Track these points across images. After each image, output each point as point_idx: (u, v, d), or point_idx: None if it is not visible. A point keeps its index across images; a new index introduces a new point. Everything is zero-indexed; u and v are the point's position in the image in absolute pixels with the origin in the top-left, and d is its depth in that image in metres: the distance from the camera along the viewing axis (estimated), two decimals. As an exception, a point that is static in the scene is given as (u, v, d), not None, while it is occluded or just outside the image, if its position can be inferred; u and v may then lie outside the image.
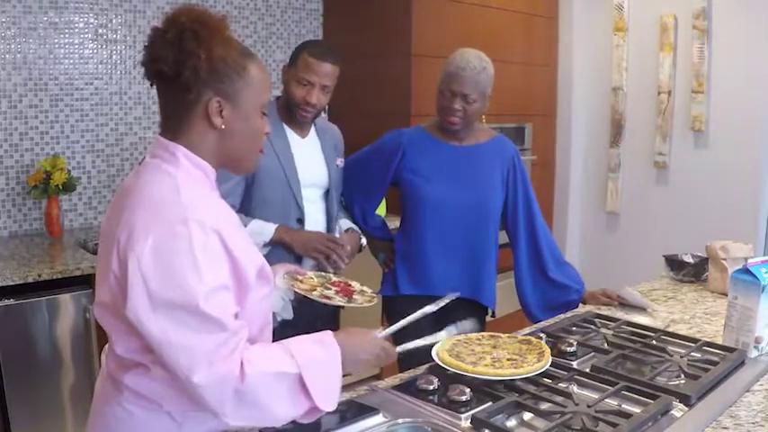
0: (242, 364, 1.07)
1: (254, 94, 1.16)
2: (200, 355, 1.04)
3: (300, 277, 1.54)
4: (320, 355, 1.16)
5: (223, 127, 1.14)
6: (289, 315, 1.48)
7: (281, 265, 1.54)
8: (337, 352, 1.17)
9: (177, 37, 1.09)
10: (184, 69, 1.09)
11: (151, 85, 1.17)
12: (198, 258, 1.04)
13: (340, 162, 2.17)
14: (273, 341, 1.21)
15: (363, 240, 2.19)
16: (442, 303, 1.49)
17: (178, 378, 1.06)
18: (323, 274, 1.69)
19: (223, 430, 1.20)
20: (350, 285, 1.65)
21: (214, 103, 1.12)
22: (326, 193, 2.11)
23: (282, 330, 1.31)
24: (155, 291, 1.04)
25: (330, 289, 1.59)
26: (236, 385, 1.06)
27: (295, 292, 1.48)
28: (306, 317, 1.55)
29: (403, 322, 1.39)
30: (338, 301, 1.54)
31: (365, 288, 1.66)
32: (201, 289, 1.04)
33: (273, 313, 1.37)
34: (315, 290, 1.53)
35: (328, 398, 1.14)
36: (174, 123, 1.16)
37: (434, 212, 2.08)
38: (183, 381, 1.06)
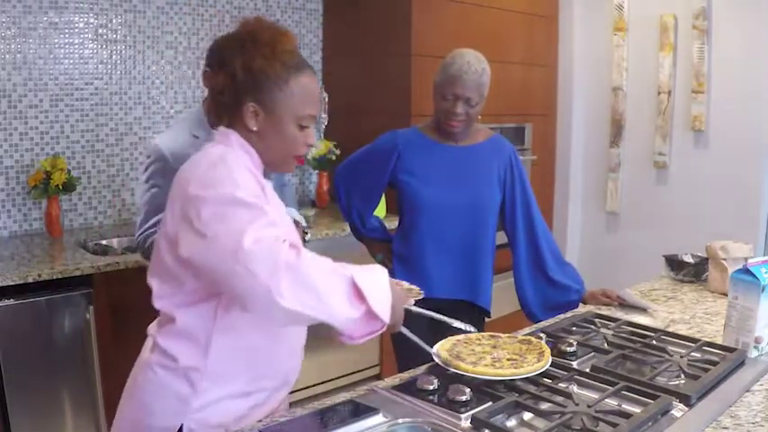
0: (296, 247, 1.13)
1: (291, 106, 1.28)
2: (248, 228, 1.11)
3: None
4: (369, 271, 1.22)
5: (255, 129, 1.28)
6: None
7: None
8: (386, 273, 1.25)
9: (225, 45, 1.29)
10: (222, 75, 1.27)
11: None
12: (236, 178, 1.19)
13: None
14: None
15: (308, 236, 2.17)
16: (458, 325, 1.50)
17: (229, 276, 1.11)
18: None
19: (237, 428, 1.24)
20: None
21: (250, 108, 1.27)
22: None
23: None
24: (199, 199, 1.16)
25: None
26: (289, 258, 1.10)
27: None
28: None
29: (428, 312, 1.45)
30: None
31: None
32: (240, 190, 1.16)
33: None
34: None
35: (382, 304, 1.19)
36: (222, 119, 1.33)
37: (431, 214, 2.07)
38: (236, 266, 1.09)
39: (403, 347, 1.86)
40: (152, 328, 1.37)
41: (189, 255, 1.17)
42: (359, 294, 1.16)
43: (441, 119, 2.06)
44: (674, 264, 2.32)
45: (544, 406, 1.28)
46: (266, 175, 1.38)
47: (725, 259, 2.09)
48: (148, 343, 1.36)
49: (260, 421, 1.27)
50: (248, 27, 1.28)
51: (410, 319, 1.41)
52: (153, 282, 1.31)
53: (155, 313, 1.36)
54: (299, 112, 1.29)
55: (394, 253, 2.17)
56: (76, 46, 3.00)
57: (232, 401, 1.30)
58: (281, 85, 1.26)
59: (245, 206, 1.15)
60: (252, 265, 1.09)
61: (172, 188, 1.27)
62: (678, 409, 1.28)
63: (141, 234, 1.97)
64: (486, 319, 2.21)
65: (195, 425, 1.28)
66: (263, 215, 1.16)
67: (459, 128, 2.04)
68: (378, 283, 1.21)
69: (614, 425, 1.18)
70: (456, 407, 1.26)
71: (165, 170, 1.93)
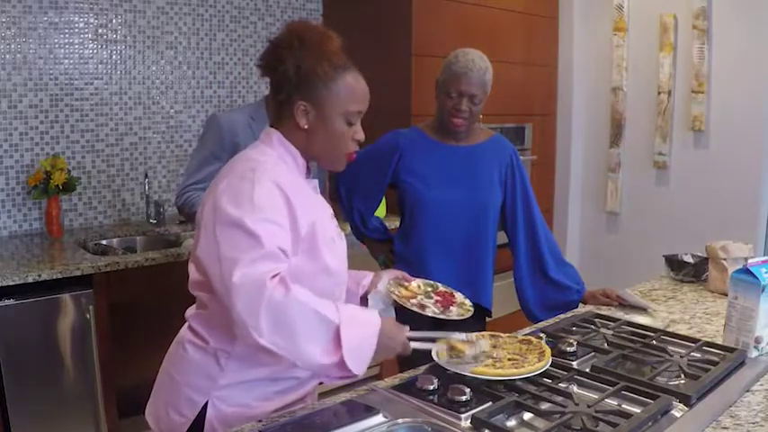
0: (286, 284, 1.17)
1: (339, 104, 1.34)
2: (241, 262, 1.17)
3: (406, 284, 1.60)
4: (362, 319, 1.26)
5: (306, 127, 1.34)
6: (391, 315, 1.53)
7: (389, 270, 1.66)
8: (378, 324, 1.26)
9: (277, 45, 1.33)
10: (275, 73, 1.33)
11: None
12: (255, 196, 1.23)
13: None
14: None
15: None
16: (466, 338, 1.49)
17: (221, 293, 1.19)
18: (431, 282, 1.71)
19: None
20: (453, 296, 1.67)
21: (300, 106, 1.33)
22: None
23: None
24: (220, 209, 1.23)
25: (431, 298, 1.62)
26: (273, 297, 1.15)
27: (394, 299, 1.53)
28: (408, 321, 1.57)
29: (428, 334, 1.43)
30: (431, 311, 1.56)
31: (466, 300, 1.68)
32: (251, 213, 1.20)
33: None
34: (414, 297, 1.57)
35: (358, 358, 1.21)
36: (276, 117, 1.39)
37: (433, 214, 2.07)
38: (224, 291, 1.17)
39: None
40: (189, 310, 1.44)
41: (199, 252, 1.26)
42: (338, 344, 1.19)
43: (444, 117, 2.06)
44: (674, 264, 2.32)
45: (544, 406, 1.28)
46: (309, 174, 1.43)
47: (725, 259, 2.09)
48: (185, 326, 1.43)
49: (260, 421, 1.26)
50: (295, 28, 1.35)
51: (413, 319, 1.42)
52: (190, 268, 1.37)
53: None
54: (346, 108, 1.35)
55: (395, 253, 2.17)
56: (76, 46, 3.00)
57: (258, 384, 1.35)
58: (328, 84, 1.32)
59: (247, 234, 1.19)
60: (234, 299, 1.16)
61: (214, 180, 1.35)
62: (678, 409, 1.28)
63: (180, 190, 2.25)
64: (487, 319, 2.21)
65: (219, 402, 1.33)
66: (260, 247, 1.19)
67: (463, 125, 2.04)
68: (362, 337, 1.23)
69: (614, 425, 1.18)
70: (456, 407, 1.26)
71: (216, 138, 2.18)
